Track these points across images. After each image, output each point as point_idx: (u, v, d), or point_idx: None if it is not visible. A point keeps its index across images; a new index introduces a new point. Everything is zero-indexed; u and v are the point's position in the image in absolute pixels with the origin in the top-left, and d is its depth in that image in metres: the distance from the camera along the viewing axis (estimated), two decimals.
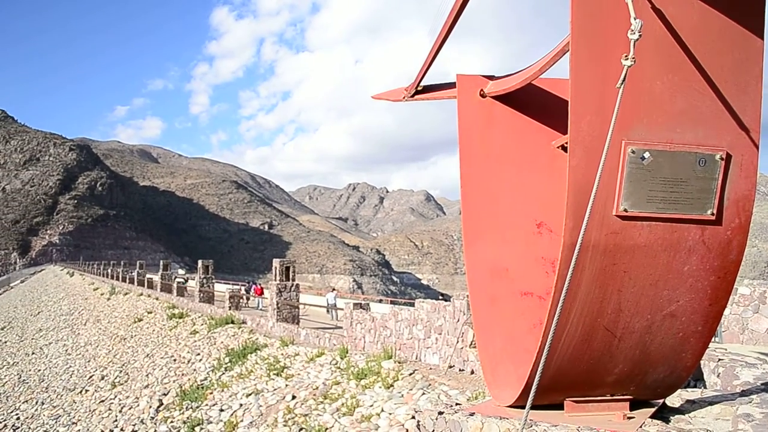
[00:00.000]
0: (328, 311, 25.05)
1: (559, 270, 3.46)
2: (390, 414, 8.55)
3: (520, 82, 4.58)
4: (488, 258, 4.89)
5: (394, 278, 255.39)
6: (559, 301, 3.36)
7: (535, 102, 4.97)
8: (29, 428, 20.19)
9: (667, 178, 3.41)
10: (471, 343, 9.93)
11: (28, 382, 27.57)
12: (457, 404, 5.34)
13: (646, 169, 3.38)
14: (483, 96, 5.03)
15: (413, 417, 7.97)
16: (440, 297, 23.40)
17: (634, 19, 2.98)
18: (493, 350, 4.91)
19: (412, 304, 13.15)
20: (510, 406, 4.35)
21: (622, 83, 3.09)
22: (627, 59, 3.04)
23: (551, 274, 4.38)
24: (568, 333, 3.68)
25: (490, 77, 5.16)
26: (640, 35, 2.99)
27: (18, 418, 22.22)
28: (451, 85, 5.42)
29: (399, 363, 10.84)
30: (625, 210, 3.39)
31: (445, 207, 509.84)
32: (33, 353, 34.24)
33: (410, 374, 10.03)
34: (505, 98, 4.96)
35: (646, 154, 3.36)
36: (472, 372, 9.82)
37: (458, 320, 10.30)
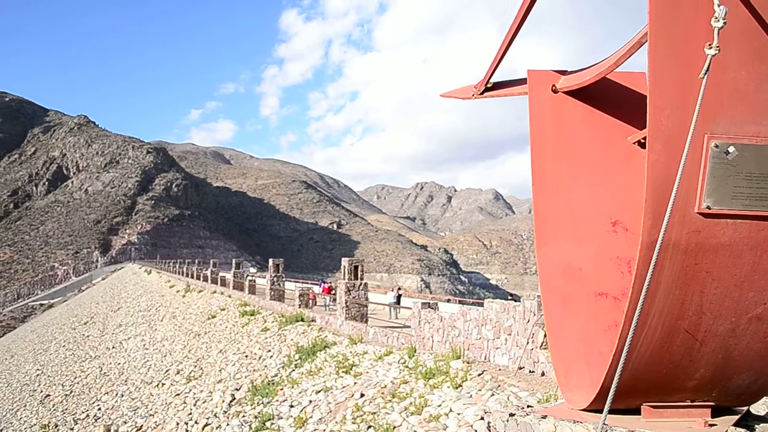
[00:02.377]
0: (390, 310, 25.08)
1: (636, 270, 3.33)
2: (459, 414, 8.47)
3: (593, 76, 4.45)
4: (561, 257, 4.77)
5: (462, 278, 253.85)
6: (636, 302, 3.24)
7: (609, 96, 4.81)
8: (110, 418, 20.99)
9: (753, 173, 3.23)
10: (542, 345, 9.74)
11: (108, 375, 28.66)
12: (528, 406, 5.24)
13: (731, 164, 3.21)
14: (555, 91, 4.91)
15: (482, 418, 7.87)
16: (509, 297, 23.02)
17: (718, 5, 2.84)
18: (566, 352, 4.78)
19: (481, 304, 13.00)
20: (584, 410, 4.22)
21: (705, 73, 2.95)
22: (710, 48, 2.89)
23: (627, 274, 4.24)
24: (646, 335, 3.54)
25: (562, 72, 5.04)
26: (724, 23, 2.85)
27: (99, 409, 23.16)
28: (521, 81, 5.32)
29: (467, 363, 10.73)
30: (708, 207, 3.23)
31: (515, 206, 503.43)
32: (113, 347, 35.55)
33: (479, 375, 9.91)
34: (578, 93, 4.83)
35: (731, 149, 3.20)
36: (543, 374, 9.63)
37: (528, 321, 10.12)
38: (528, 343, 10.02)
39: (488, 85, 5.46)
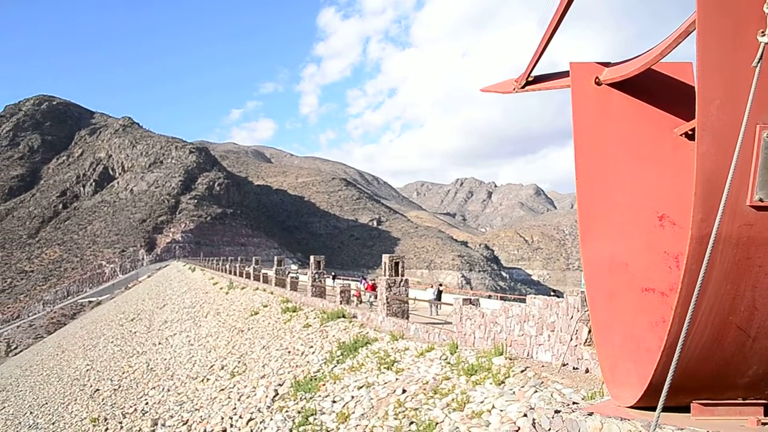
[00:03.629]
0: (430, 306, 25.00)
1: (686, 265, 3.25)
2: (501, 411, 8.41)
3: (638, 67, 4.36)
4: (606, 253, 4.68)
5: (504, 274, 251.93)
6: (686, 298, 3.16)
7: (655, 88, 4.70)
8: (156, 413, 21.38)
9: None
10: (585, 341, 9.60)
11: (155, 370, 29.20)
12: (574, 403, 5.16)
13: None
14: (598, 84, 4.82)
15: (525, 415, 7.80)
16: (552, 293, 22.69)
17: None
18: (612, 348, 4.69)
19: (523, 300, 12.88)
20: (631, 407, 4.14)
21: (758, 62, 2.85)
22: (764, 35, 2.80)
23: (676, 269, 4.14)
24: (696, 332, 3.45)
25: (605, 64, 4.95)
26: None
27: (147, 403, 23.62)
28: (563, 74, 5.24)
29: (510, 360, 10.64)
30: (761, 200, 3.13)
31: (556, 201, 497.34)
32: (159, 343, 36.21)
33: (522, 371, 9.82)
34: (623, 85, 4.73)
35: None
36: (587, 371, 9.49)
37: (572, 317, 9.98)
38: (572, 339, 9.89)
39: (529, 79, 5.40)
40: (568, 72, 5.07)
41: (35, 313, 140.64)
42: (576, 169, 4.76)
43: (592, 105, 4.80)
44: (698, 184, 3.13)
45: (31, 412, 34.69)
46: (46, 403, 34.96)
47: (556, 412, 4.26)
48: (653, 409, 3.37)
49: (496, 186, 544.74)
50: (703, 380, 3.75)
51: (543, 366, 10.18)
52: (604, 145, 4.72)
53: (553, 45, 4.74)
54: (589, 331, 9.54)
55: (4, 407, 41.82)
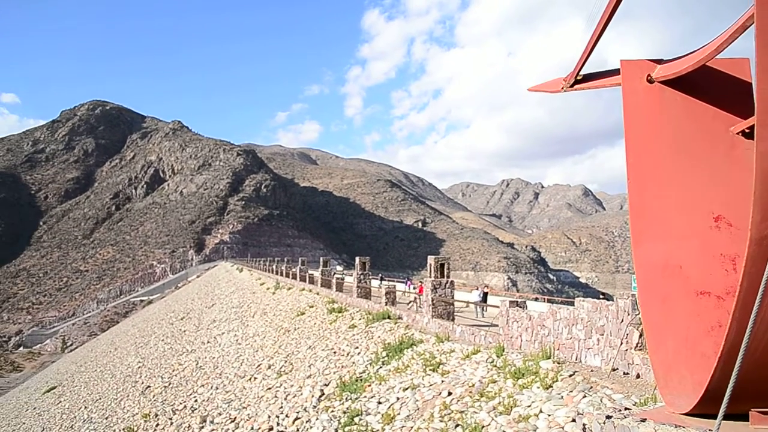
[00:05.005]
0: (475, 308, 24.83)
1: (744, 268, 3.13)
2: (549, 415, 8.28)
3: (692, 64, 4.23)
4: (659, 255, 4.55)
5: (551, 276, 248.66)
6: (744, 301, 3.04)
7: (710, 85, 4.56)
8: (205, 410, 21.72)
9: None
10: (636, 345, 9.39)
11: (204, 368, 29.68)
12: (626, 409, 5.04)
13: None
14: (650, 81, 4.70)
15: (574, 420, 7.66)
16: (601, 296, 22.32)
17: None
18: (666, 353, 4.56)
19: (571, 303, 12.67)
20: (686, 414, 4.02)
21: None
22: None
23: (732, 272, 4.00)
24: (755, 337, 3.32)
25: (658, 61, 4.82)
26: None
27: (196, 400, 24.02)
28: (614, 72, 5.12)
29: (558, 363, 10.48)
30: None
31: (605, 202, 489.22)
32: (208, 342, 36.81)
33: (570, 375, 9.66)
34: (676, 82, 4.60)
35: None
36: (638, 376, 9.28)
37: (622, 321, 9.77)
38: (622, 343, 9.69)
39: (578, 77, 5.30)
40: (618, 70, 4.96)
41: (89, 311, 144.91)
42: (627, 168, 4.65)
43: (644, 103, 4.67)
44: (758, 183, 3.01)
45: (85, 407, 35.67)
46: (100, 399, 35.89)
47: (608, 417, 4.16)
48: (709, 416, 3.26)
49: (542, 187, 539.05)
50: (762, 387, 3.61)
51: (592, 370, 9.99)
52: (656, 144, 4.59)
53: (601, 42, 4.64)
54: (641, 335, 9.33)
55: (61, 401, 43.13)
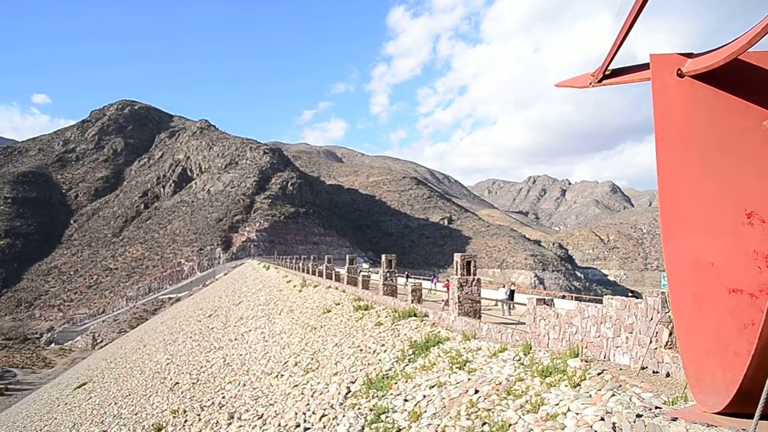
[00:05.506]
0: (501, 306, 24.70)
1: None
2: (577, 414, 8.21)
3: (724, 57, 4.15)
4: (690, 252, 4.48)
5: (578, 274, 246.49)
6: None
7: (743, 79, 4.47)
8: (233, 406, 21.91)
9: None
10: (666, 344, 9.27)
11: (231, 365, 29.95)
12: (656, 408, 4.97)
13: None
14: (681, 76, 4.62)
15: (602, 419, 7.59)
16: (629, 294, 21.95)
17: None
18: (697, 352, 4.49)
19: (599, 301, 12.55)
20: (718, 413, 3.96)
21: None
22: None
23: (766, 269, 3.93)
24: None
25: (688, 55, 4.74)
26: None
27: (224, 397, 24.24)
28: (643, 67, 5.05)
29: (586, 362, 10.38)
30: None
31: (633, 198, 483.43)
32: (235, 339, 37.13)
33: (598, 374, 9.56)
34: (707, 77, 4.52)
35: None
36: (668, 375, 9.16)
37: (651, 319, 9.65)
38: (651, 342, 9.57)
39: (606, 73, 5.23)
40: (647, 64, 4.88)
41: (119, 309, 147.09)
42: (658, 164, 4.58)
43: (675, 98, 4.60)
44: None
45: (115, 403, 36.21)
46: (129, 395, 36.40)
47: (638, 416, 4.11)
48: (742, 415, 3.20)
49: (570, 183, 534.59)
50: None
51: (621, 369, 9.89)
52: (687, 140, 4.51)
53: (629, 37, 4.58)
54: (671, 334, 9.21)
55: (91, 397, 43.86)
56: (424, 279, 46.36)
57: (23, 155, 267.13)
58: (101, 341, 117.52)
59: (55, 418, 42.85)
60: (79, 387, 53.61)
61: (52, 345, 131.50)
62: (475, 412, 10.10)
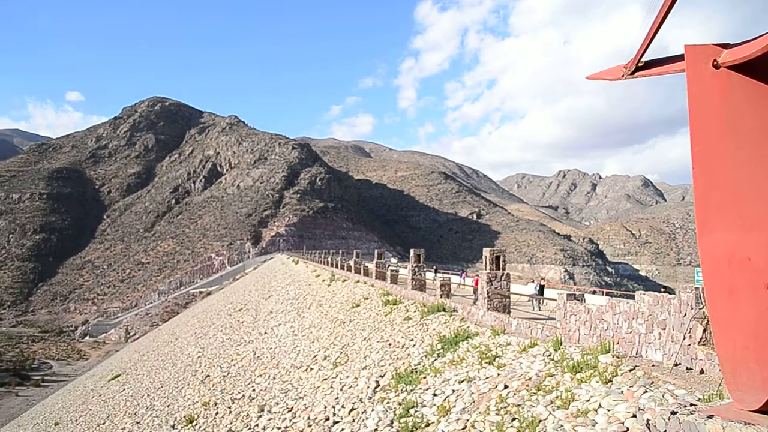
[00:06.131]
0: (532, 301, 24.55)
1: None
2: (608, 411, 8.12)
3: (762, 48, 4.05)
4: (726, 246, 4.39)
5: (609, 269, 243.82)
6: None
7: None
8: (263, 399, 22.08)
9: None
10: (700, 340, 9.11)
11: (261, 359, 30.18)
12: (691, 405, 4.88)
13: None
14: (717, 67, 4.52)
15: (634, 416, 7.50)
16: (662, 289, 21.64)
17: None
18: (733, 348, 4.40)
19: (630, 296, 12.39)
20: (755, 411, 3.88)
21: None
22: None
23: None
24: None
25: (724, 45, 4.64)
26: None
27: (254, 390, 24.45)
28: (677, 58, 4.95)
29: (617, 358, 10.27)
30: None
31: (666, 193, 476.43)
32: (265, 333, 37.40)
33: (630, 370, 9.44)
34: (744, 67, 4.41)
35: None
36: (702, 371, 9.00)
37: (685, 315, 9.49)
38: (685, 338, 9.41)
39: (639, 64, 5.14)
40: (682, 56, 4.78)
41: (151, 302, 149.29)
42: (692, 157, 4.49)
43: (710, 90, 4.50)
44: None
45: (148, 395, 36.78)
46: (162, 387, 36.93)
47: (673, 413, 4.04)
48: None
49: (600, 178, 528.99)
50: None
51: (653, 365, 9.75)
52: (724, 132, 4.42)
53: (661, 28, 4.49)
54: (705, 330, 9.05)
55: (125, 389, 44.61)
56: (452, 274, 46.21)
57: (57, 152, 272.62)
58: (134, 334, 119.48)
59: (90, 409, 43.67)
60: (112, 379, 54.57)
61: (87, 337, 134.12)
62: (505, 407, 10.04)
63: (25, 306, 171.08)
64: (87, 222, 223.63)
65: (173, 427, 25.32)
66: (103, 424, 34.94)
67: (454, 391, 12.36)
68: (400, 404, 13.16)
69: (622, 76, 5.34)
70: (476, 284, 25.25)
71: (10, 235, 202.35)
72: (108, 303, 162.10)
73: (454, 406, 11.37)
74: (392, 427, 12.08)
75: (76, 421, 41.90)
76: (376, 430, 12.41)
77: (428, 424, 11.27)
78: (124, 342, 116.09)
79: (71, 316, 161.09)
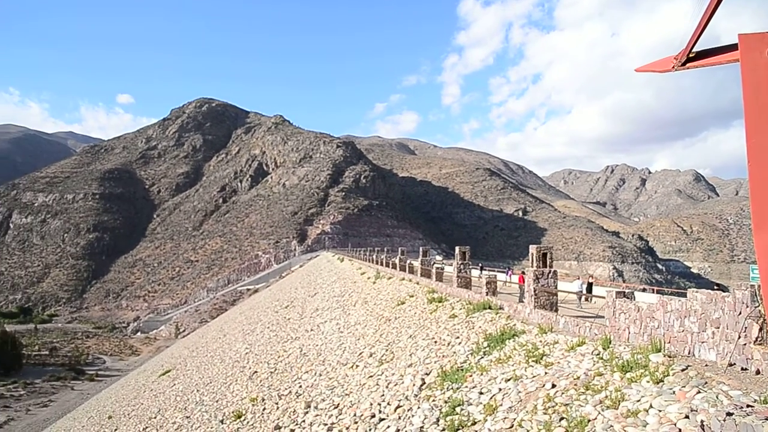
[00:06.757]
0: (578, 298, 24.19)
1: None
2: (660, 411, 7.93)
3: None
4: None
5: (659, 266, 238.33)
6: None
7: None
8: (309, 395, 22.24)
9: None
10: (756, 339, 8.82)
11: (307, 355, 30.41)
12: (748, 406, 4.73)
13: None
14: None
15: (687, 417, 7.30)
16: (715, 287, 21.04)
17: None
18: None
19: (682, 294, 12.08)
20: None
21: None
22: None
23: None
24: None
25: None
26: None
27: (300, 386, 24.64)
28: (731, 48, 4.79)
29: (669, 357, 10.02)
30: None
31: (718, 187, 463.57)
32: (311, 330, 37.66)
33: (682, 370, 9.21)
34: None
35: None
36: (758, 372, 8.71)
37: (740, 313, 9.21)
38: (740, 337, 9.13)
39: (690, 55, 4.98)
40: (735, 45, 4.62)
41: (200, 299, 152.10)
42: (748, 150, 4.33)
43: (766, 80, 4.34)
44: None
45: (197, 390, 37.43)
46: (211, 382, 37.55)
47: (728, 414, 3.91)
48: None
49: (650, 173, 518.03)
50: None
51: (706, 365, 9.49)
52: None
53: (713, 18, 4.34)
54: (761, 329, 8.77)
55: (175, 384, 45.53)
56: (498, 271, 45.82)
57: (109, 153, 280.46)
58: (184, 330, 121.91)
59: (142, 403, 44.69)
60: (163, 374, 55.75)
61: (138, 333, 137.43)
62: (553, 406, 9.91)
63: (80, 303, 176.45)
64: (138, 221, 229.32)
65: (222, 421, 25.71)
66: (155, 418, 35.69)
67: (500, 389, 12.25)
68: (446, 402, 13.11)
69: (673, 67, 5.19)
70: (521, 281, 24.90)
71: (65, 235, 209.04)
72: (158, 300, 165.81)
73: (501, 405, 11.28)
74: (438, 425, 12.04)
75: (128, 415, 42.92)
76: (422, 427, 12.40)
77: (474, 423, 11.20)
78: (174, 338, 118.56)
79: (123, 312, 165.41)
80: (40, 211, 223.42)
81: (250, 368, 34.87)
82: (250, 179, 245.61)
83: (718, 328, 9.87)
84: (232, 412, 26.04)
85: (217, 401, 31.07)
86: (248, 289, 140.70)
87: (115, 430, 39.05)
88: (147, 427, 33.94)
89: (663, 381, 9.05)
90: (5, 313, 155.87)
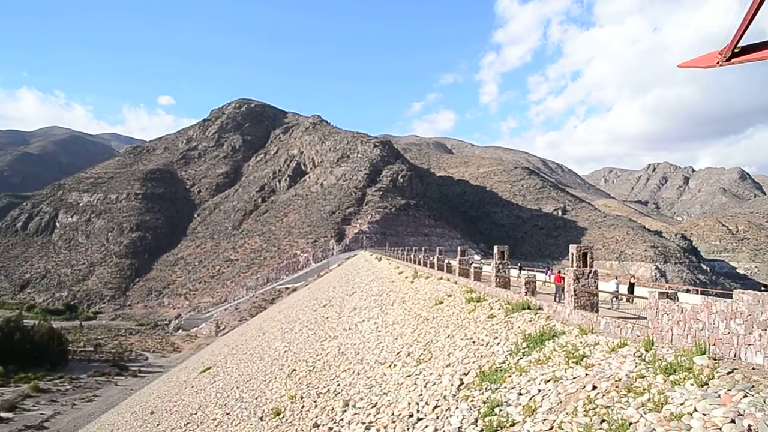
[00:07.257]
0: (611, 299, 23.83)
1: None
2: (704, 415, 7.76)
3: None
4: None
5: (704, 266, 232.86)
6: None
7: None
8: (347, 394, 22.34)
9: None
10: None
11: (345, 354, 30.52)
12: None
13: None
14: None
15: (732, 421, 7.13)
16: (762, 288, 20.47)
17: None
18: None
19: (727, 295, 11.80)
20: None
21: None
22: None
23: None
24: None
25: None
26: None
27: (338, 385, 24.77)
28: None
29: (713, 360, 9.81)
30: None
31: (765, 186, 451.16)
32: (349, 329, 37.79)
33: (728, 373, 9.00)
34: None
35: None
36: None
37: None
38: None
39: (736, 50, 4.86)
40: None
41: (240, 298, 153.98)
42: None
43: None
44: None
45: (237, 387, 37.91)
46: (250, 380, 37.99)
47: None
48: None
49: (693, 171, 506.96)
50: None
51: (753, 368, 9.25)
52: None
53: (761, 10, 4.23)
54: None
55: (215, 381, 46.20)
56: (537, 271, 45.37)
57: (151, 154, 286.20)
58: (224, 328, 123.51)
59: (183, 400, 45.44)
60: (204, 371, 56.59)
61: (180, 331, 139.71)
62: (593, 408, 9.78)
63: (123, 300, 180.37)
64: (179, 220, 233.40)
65: (261, 418, 25.99)
66: (195, 414, 36.25)
67: (540, 390, 12.14)
68: (484, 403, 13.04)
69: (717, 63, 5.07)
70: (557, 281, 24.36)
71: (109, 234, 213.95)
72: (199, 298, 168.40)
73: (540, 406, 11.17)
74: (476, 426, 11.98)
75: (170, 410, 43.66)
76: (460, 428, 12.35)
77: (513, 424, 11.12)
78: (215, 336, 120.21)
79: (165, 310, 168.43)
80: (85, 211, 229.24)
81: (288, 366, 35.16)
82: (288, 179, 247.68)
83: (766, 330, 9.62)
84: (271, 410, 26.28)
85: (256, 398, 31.40)
86: (287, 288, 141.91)
87: (158, 425, 39.78)
88: (188, 423, 34.49)
89: (708, 384, 8.86)
90: (52, 310, 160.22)
